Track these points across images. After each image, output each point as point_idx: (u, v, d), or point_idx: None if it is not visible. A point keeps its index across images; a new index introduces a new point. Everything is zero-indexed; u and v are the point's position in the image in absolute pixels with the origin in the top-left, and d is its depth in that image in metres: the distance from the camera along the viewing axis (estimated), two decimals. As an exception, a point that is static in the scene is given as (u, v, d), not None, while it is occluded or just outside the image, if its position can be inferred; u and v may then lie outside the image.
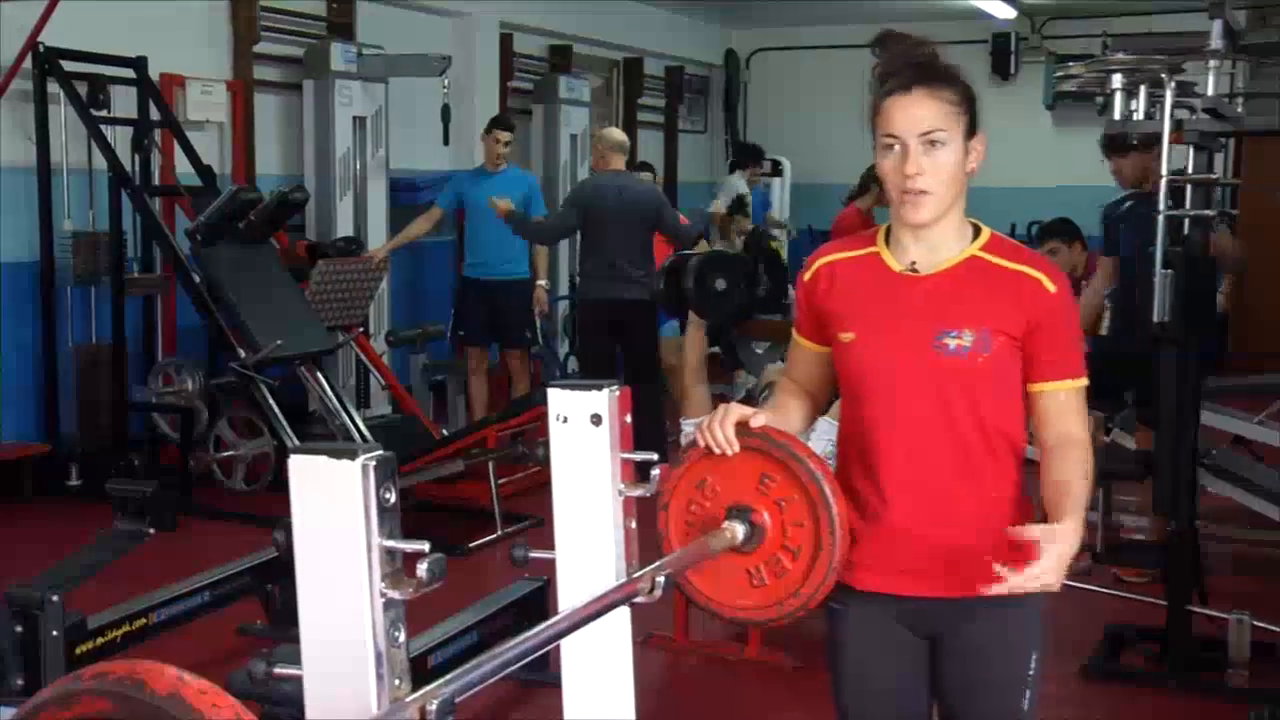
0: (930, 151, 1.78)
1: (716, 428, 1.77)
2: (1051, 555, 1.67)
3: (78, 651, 3.14)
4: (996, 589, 1.67)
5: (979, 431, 1.84)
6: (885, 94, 1.81)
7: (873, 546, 1.88)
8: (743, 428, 1.77)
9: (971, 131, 1.83)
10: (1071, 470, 1.80)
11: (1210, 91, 3.71)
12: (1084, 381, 1.86)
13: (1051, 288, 1.82)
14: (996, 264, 1.85)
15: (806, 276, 1.96)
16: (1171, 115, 3.57)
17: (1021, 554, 1.69)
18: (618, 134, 6.27)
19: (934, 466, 1.85)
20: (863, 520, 1.88)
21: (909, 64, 1.82)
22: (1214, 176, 3.82)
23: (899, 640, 1.93)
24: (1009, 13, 10.18)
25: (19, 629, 3.06)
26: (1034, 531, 1.69)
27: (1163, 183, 3.65)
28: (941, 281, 1.85)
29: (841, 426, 1.96)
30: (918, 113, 1.78)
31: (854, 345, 1.88)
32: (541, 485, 5.80)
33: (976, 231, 1.89)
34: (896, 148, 1.79)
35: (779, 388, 2.08)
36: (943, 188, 1.80)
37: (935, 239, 1.85)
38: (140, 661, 0.93)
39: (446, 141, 7.18)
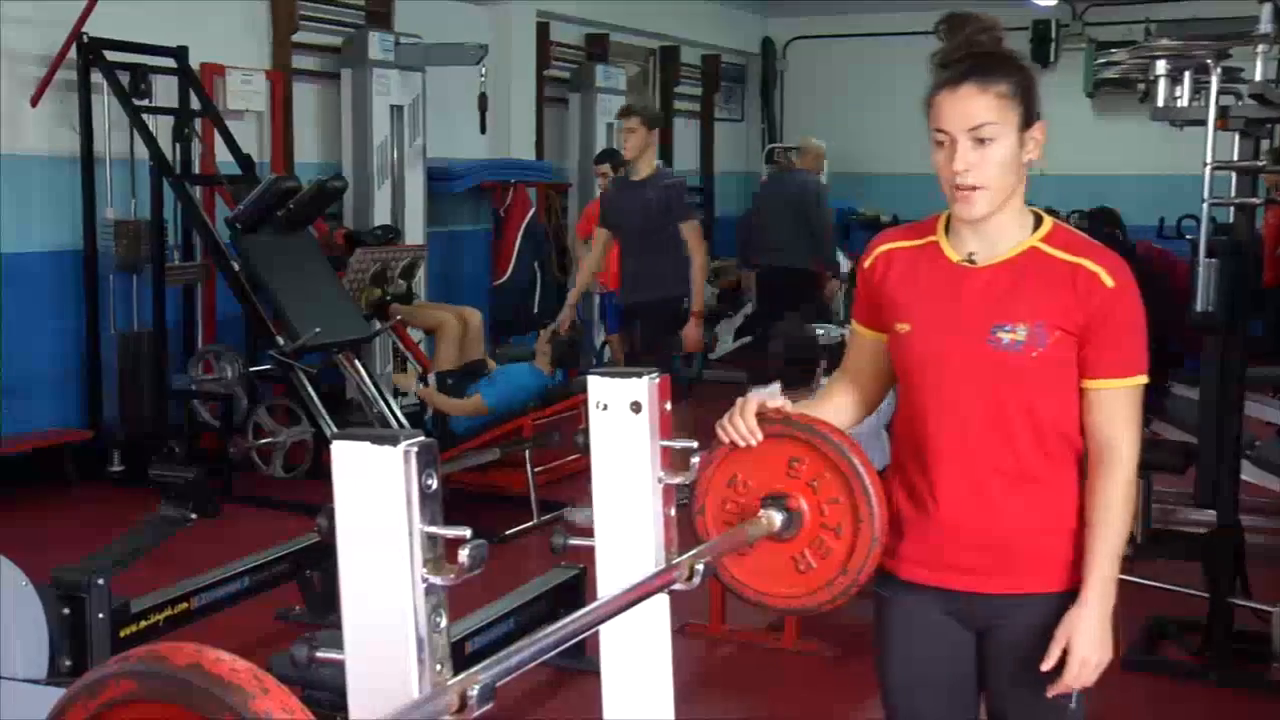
0: (980, 147, 1.75)
1: (738, 419, 1.77)
2: (1079, 650, 1.74)
3: (122, 634, 3.19)
4: (1056, 691, 1.76)
5: (1033, 429, 1.80)
6: (937, 87, 1.78)
7: (921, 539, 1.87)
8: (762, 417, 1.77)
9: (1029, 120, 1.77)
10: (1106, 508, 1.77)
11: (1258, 76, 3.64)
12: (1139, 380, 1.80)
13: (1109, 281, 1.76)
14: (1054, 256, 1.79)
15: (866, 263, 1.95)
16: (1217, 101, 3.51)
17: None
18: (806, 141, 8.13)
19: (985, 462, 1.82)
20: (914, 512, 1.88)
21: (965, 54, 1.78)
22: (1260, 164, 3.76)
23: (946, 633, 1.91)
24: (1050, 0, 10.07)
25: (66, 611, 3.10)
26: (1056, 643, 1.75)
27: (1207, 170, 3.60)
28: (998, 273, 1.81)
29: (897, 417, 1.95)
30: (966, 108, 1.74)
31: (909, 336, 1.86)
32: (577, 473, 5.81)
33: (1038, 221, 1.85)
34: (947, 143, 1.77)
35: (830, 380, 2.07)
36: (995, 182, 1.76)
37: (993, 230, 1.82)
38: (162, 643, 0.95)
39: (484, 130, 7.20)
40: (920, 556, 1.88)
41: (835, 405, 1.98)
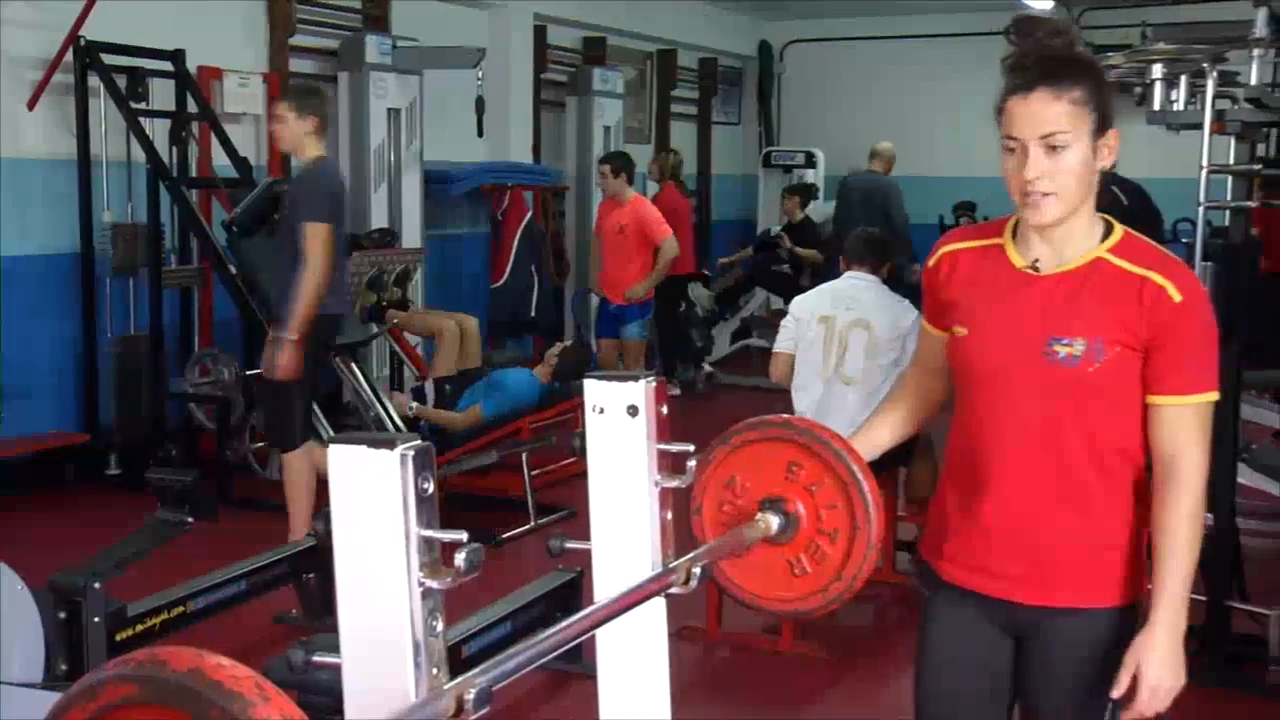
0: (1052, 154, 1.70)
1: None
2: (1150, 676, 1.71)
3: (118, 638, 3.18)
4: (1129, 718, 1.74)
5: (1087, 445, 1.78)
6: (1008, 93, 1.73)
7: (964, 543, 1.87)
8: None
9: (1103, 127, 1.73)
10: (1174, 531, 1.73)
11: (1254, 81, 3.66)
12: (1207, 397, 1.75)
13: (1176, 296, 1.71)
14: (1121, 267, 1.75)
15: (930, 263, 1.94)
16: (1213, 105, 3.52)
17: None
18: (878, 146, 8.59)
19: (1035, 473, 1.80)
20: (961, 515, 1.87)
21: (1036, 59, 1.72)
22: (1256, 168, 3.77)
23: (984, 634, 1.90)
24: (1046, 3, 10.09)
25: (62, 615, 3.10)
26: (1126, 669, 1.72)
27: (1203, 174, 3.61)
28: (1060, 284, 1.78)
29: (953, 419, 1.94)
30: (1039, 114, 1.70)
31: (965, 341, 1.84)
32: (574, 477, 5.81)
33: (1109, 230, 1.80)
34: (1018, 150, 1.73)
35: (898, 377, 2.08)
36: (1067, 190, 1.72)
37: (1061, 238, 1.78)
38: (161, 647, 0.95)
39: (481, 133, 7.20)
40: (963, 560, 1.88)
41: (895, 419, 2.00)
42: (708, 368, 8.70)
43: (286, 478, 4.64)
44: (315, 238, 4.41)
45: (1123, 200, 4.92)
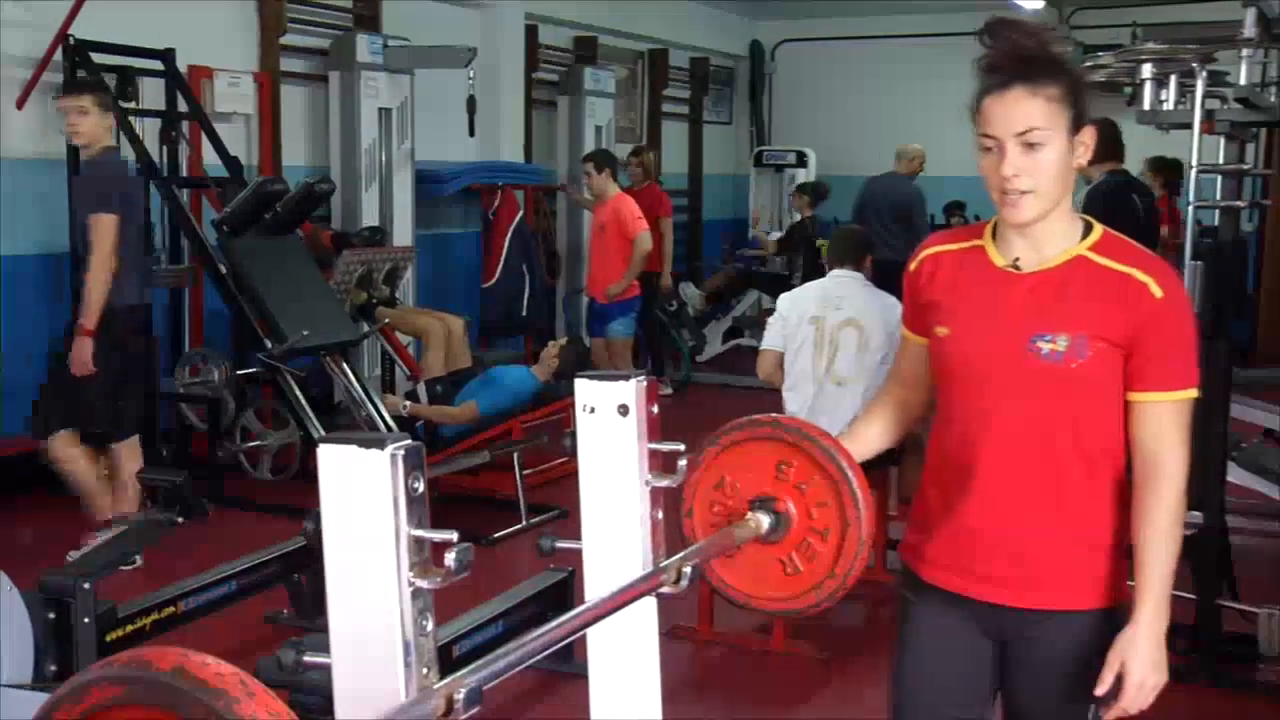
0: (1029, 152, 1.71)
1: None
2: (1135, 673, 1.71)
3: (108, 639, 3.17)
4: (1112, 716, 1.73)
5: (1073, 442, 1.77)
6: (983, 92, 1.74)
7: (947, 545, 1.86)
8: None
9: (1079, 124, 1.73)
10: (1156, 528, 1.73)
11: (1243, 81, 3.67)
12: (1188, 394, 1.76)
13: (1158, 292, 1.72)
14: (1102, 264, 1.76)
15: (912, 267, 1.93)
16: (1202, 105, 3.53)
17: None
18: (905, 148, 8.40)
19: (1020, 473, 1.79)
20: (944, 516, 1.86)
21: (1011, 58, 1.73)
22: (1245, 167, 3.78)
23: (965, 638, 1.89)
24: (1037, 2, 10.10)
25: (52, 616, 3.09)
26: (1110, 667, 1.72)
27: (1193, 174, 3.62)
28: (1042, 281, 1.78)
29: (935, 420, 1.93)
30: (1015, 112, 1.70)
31: (948, 340, 1.84)
32: (565, 477, 5.81)
33: (1088, 229, 1.80)
34: (995, 148, 1.73)
35: (879, 390, 2.07)
36: (1044, 187, 1.73)
37: (1041, 236, 1.78)
38: (147, 647, 0.95)
39: (472, 133, 7.19)
40: (947, 562, 1.87)
41: (878, 429, 1.99)
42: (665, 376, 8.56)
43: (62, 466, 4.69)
44: (102, 229, 4.45)
45: (1139, 213, 4.91)
